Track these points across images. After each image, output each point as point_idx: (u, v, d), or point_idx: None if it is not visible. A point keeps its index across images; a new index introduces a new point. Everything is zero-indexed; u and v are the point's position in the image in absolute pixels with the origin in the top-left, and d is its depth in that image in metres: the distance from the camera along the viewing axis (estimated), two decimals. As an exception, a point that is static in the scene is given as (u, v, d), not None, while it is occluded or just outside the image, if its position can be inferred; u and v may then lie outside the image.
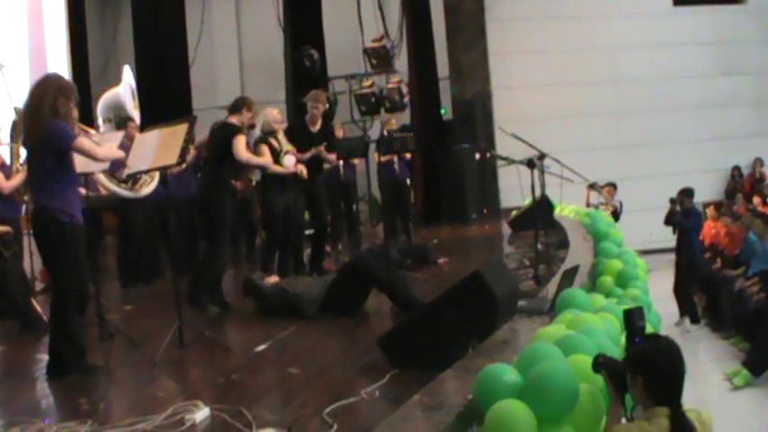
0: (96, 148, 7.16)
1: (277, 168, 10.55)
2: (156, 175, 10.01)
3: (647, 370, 4.31)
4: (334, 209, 15.13)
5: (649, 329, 6.44)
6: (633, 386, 4.38)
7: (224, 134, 9.63)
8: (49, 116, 6.79)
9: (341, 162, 14.66)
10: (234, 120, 9.67)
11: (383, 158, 14.88)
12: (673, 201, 16.10)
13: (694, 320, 15.71)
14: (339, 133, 15.20)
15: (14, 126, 9.75)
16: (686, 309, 15.77)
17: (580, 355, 5.02)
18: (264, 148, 10.62)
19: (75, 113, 7.21)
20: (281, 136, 10.90)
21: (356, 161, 15.20)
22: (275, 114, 10.97)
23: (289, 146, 10.82)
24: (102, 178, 10.12)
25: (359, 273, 8.93)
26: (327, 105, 12.12)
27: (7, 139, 10.25)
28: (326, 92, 11.02)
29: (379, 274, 8.85)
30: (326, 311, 8.70)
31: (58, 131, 6.79)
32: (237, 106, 9.70)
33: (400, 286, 8.83)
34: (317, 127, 11.47)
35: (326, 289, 8.86)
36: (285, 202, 10.85)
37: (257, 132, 11.01)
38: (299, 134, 11.34)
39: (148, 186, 10.83)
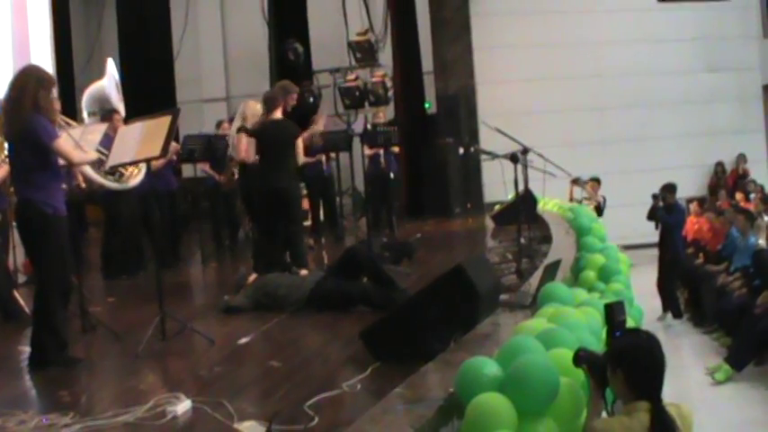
0: (74, 152, 7.12)
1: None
2: (143, 166, 9.99)
3: (628, 364, 4.32)
4: (315, 203, 15.17)
5: (631, 324, 6.48)
6: (614, 380, 4.39)
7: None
8: (31, 110, 6.76)
9: (323, 156, 14.68)
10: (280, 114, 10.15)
11: (368, 152, 14.91)
12: (655, 196, 16.12)
13: (677, 315, 15.73)
14: (321, 126, 15.23)
15: (-2, 119, 9.71)
16: (669, 304, 15.82)
17: (561, 349, 5.05)
18: (241, 138, 10.68)
19: (57, 105, 7.19)
20: None
21: (333, 155, 15.21)
22: (257, 108, 10.97)
23: None
24: (88, 170, 10.10)
25: (349, 264, 9.00)
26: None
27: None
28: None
29: (370, 264, 8.95)
30: (312, 305, 8.72)
31: (38, 129, 6.76)
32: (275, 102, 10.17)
33: (387, 280, 8.86)
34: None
35: (314, 285, 8.87)
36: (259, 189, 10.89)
37: (238, 123, 11.03)
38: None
39: (136, 178, 10.81)
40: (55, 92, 7.14)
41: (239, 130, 10.85)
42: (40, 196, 6.81)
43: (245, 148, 10.75)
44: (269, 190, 10.11)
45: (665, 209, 15.92)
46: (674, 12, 23.11)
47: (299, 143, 10.29)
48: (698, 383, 11.53)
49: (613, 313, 4.90)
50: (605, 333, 4.77)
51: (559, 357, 4.92)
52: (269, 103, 10.28)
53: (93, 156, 7.72)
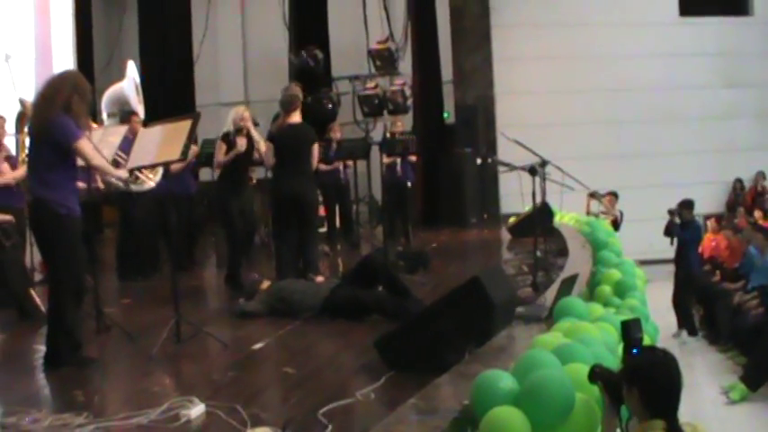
0: (95, 156, 7.13)
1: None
2: (160, 169, 10.01)
3: (644, 382, 4.27)
4: (331, 210, 15.16)
5: (647, 341, 6.44)
6: (629, 398, 4.35)
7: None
8: (60, 109, 6.80)
9: (340, 164, 14.67)
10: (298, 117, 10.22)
11: (386, 160, 14.90)
12: (671, 212, 16.07)
13: (692, 333, 15.66)
14: (337, 134, 15.24)
15: (20, 118, 9.76)
16: (684, 321, 15.75)
17: (577, 364, 5.03)
18: (221, 145, 10.68)
19: (89, 120, 7.23)
20: (254, 133, 10.88)
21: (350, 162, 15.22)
22: (241, 112, 10.94)
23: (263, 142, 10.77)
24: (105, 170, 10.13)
25: (364, 272, 9.00)
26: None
27: (13, 129, 10.25)
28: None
29: (386, 273, 8.99)
30: (327, 313, 8.72)
31: (64, 126, 6.79)
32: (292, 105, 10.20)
33: (402, 289, 8.87)
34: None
35: (329, 292, 8.86)
36: (240, 204, 10.89)
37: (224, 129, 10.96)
38: None
39: (152, 181, 10.84)
40: (88, 100, 7.16)
41: (223, 136, 10.79)
42: (54, 196, 6.83)
43: (221, 158, 10.72)
44: (285, 195, 10.10)
45: (682, 225, 15.87)
46: (695, 27, 23.06)
47: (316, 148, 10.26)
48: (712, 402, 11.47)
49: (630, 330, 4.85)
50: (621, 350, 4.73)
51: (575, 372, 4.89)
52: (286, 106, 10.25)
53: (111, 170, 7.70)
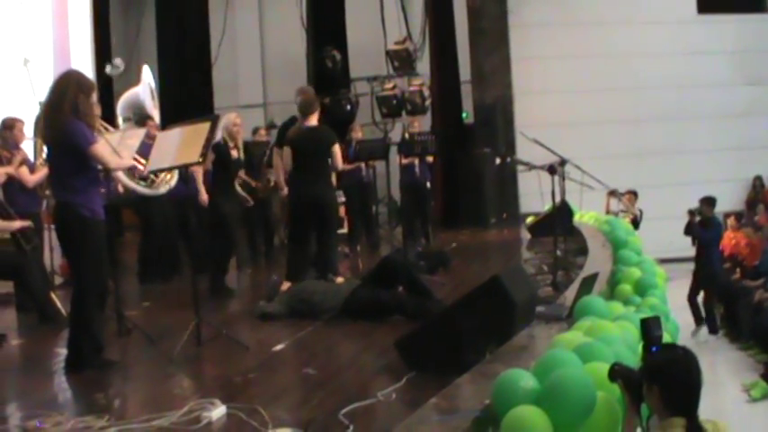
0: (110, 158, 7.14)
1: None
2: (176, 172, 10.03)
3: (664, 380, 4.26)
4: (352, 211, 15.14)
5: (667, 339, 6.41)
6: (649, 396, 4.33)
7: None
8: (70, 114, 6.81)
9: (362, 164, 14.66)
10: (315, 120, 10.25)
11: (404, 161, 14.89)
12: (691, 212, 15.99)
13: (713, 331, 15.62)
14: (357, 135, 15.21)
15: (38, 121, 9.79)
16: (706, 319, 15.68)
17: (597, 363, 5.02)
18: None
19: (97, 110, 7.22)
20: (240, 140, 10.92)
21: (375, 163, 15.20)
22: (232, 119, 10.89)
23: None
24: (121, 175, 10.16)
25: (385, 273, 9.00)
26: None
27: (31, 133, 10.29)
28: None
29: (406, 273, 9.01)
30: (347, 313, 8.72)
31: (76, 133, 6.80)
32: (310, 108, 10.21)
33: (423, 289, 8.87)
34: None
35: (349, 293, 8.87)
36: (232, 206, 10.88)
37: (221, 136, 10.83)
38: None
39: (167, 184, 10.86)
40: (95, 97, 7.17)
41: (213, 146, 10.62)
42: (79, 200, 6.85)
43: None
44: (305, 198, 10.04)
45: (702, 223, 15.79)
46: (714, 24, 22.97)
47: (337, 149, 10.22)
48: (733, 400, 11.45)
49: (650, 328, 4.82)
50: (641, 348, 4.71)
51: (596, 371, 4.88)
52: (303, 109, 10.23)
53: (130, 162, 7.74)
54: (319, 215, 10.05)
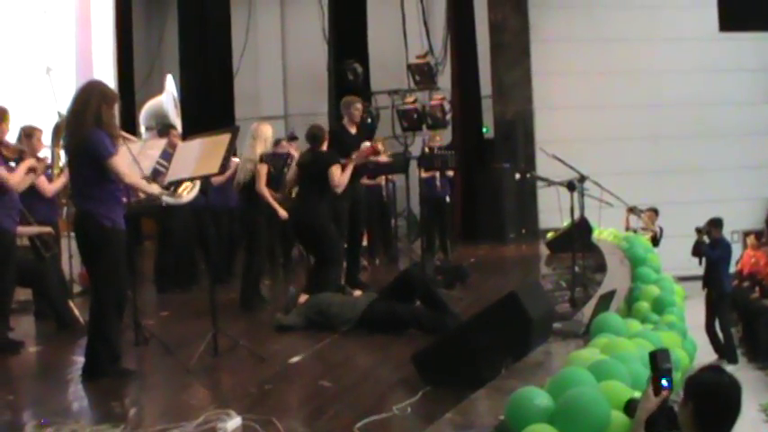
0: (126, 172, 7.12)
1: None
2: (197, 182, 10.05)
3: (702, 399, 4.20)
4: (372, 224, 15.13)
5: (684, 357, 6.38)
6: (682, 410, 4.25)
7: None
8: (92, 123, 6.84)
9: (383, 178, 14.67)
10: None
11: (424, 174, 14.89)
12: (699, 230, 15.83)
13: (732, 360, 15.10)
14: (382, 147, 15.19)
15: (56, 130, 9.82)
16: (725, 346, 15.34)
17: (613, 381, 5.01)
18: (263, 167, 10.34)
19: (117, 121, 7.25)
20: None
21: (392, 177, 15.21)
22: (269, 133, 10.75)
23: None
24: (143, 183, 10.20)
25: (403, 286, 9.01)
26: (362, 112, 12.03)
27: (48, 142, 10.32)
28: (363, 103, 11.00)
29: (424, 287, 9.02)
30: (364, 326, 8.73)
31: (96, 143, 6.84)
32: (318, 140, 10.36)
33: (440, 304, 8.87)
34: (355, 130, 11.49)
35: (366, 306, 8.87)
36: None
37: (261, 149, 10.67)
38: (341, 138, 11.25)
39: (189, 193, 10.90)
40: (116, 108, 7.20)
41: (265, 158, 10.38)
42: (99, 209, 6.88)
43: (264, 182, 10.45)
44: (289, 222, 10.50)
45: (710, 244, 15.64)
46: (735, 42, 22.83)
47: (332, 170, 10.06)
48: (752, 421, 11.34)
49: (658, 361, 4.74)
50: (648, 381, 4.63)
51: (611, 390, 4.88)
52: (310, 141, 10.41)
53: (143, 182, 7.63)
54: (300, 237, 10.54)
